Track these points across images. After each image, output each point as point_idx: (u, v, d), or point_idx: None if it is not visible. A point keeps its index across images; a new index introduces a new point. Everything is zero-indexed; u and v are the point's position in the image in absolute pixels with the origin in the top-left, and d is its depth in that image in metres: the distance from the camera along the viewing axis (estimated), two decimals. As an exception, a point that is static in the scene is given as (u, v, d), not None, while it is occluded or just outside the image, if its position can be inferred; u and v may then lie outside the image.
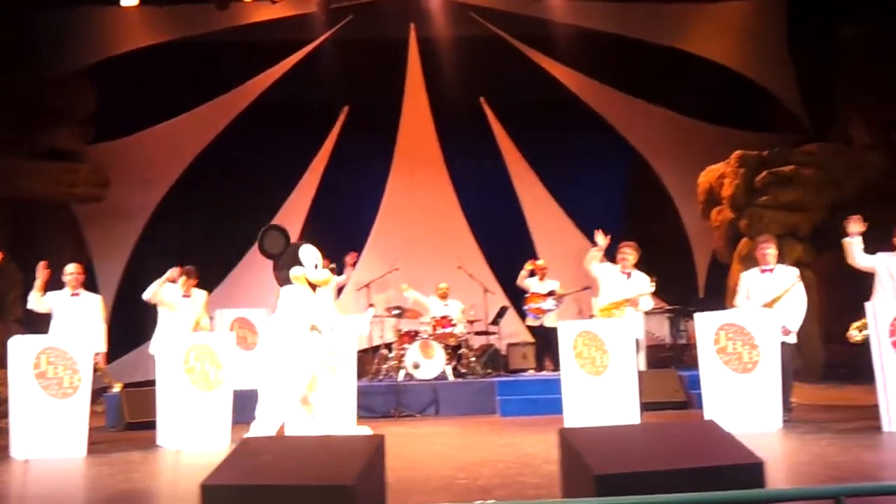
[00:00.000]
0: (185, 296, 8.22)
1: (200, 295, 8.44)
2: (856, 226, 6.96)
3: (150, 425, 7.08)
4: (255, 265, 12.98)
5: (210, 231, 12.54)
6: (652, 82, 13.15)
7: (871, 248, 7.10)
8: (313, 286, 5.92)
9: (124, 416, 8.14)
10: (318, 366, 5.98)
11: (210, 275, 12.20)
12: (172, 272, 7.99)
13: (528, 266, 10.54)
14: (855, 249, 7.00)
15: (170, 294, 8.11)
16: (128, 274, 12.55)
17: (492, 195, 13.69)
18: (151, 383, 7.14)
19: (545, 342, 10.21)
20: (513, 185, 13.84)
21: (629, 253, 7.82)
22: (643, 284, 7.69)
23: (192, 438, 6.54)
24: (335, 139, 13.73)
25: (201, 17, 12.53)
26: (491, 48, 13.07)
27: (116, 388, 8.15)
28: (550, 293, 10.38)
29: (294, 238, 6.09)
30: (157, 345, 7.55)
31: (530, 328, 10.78)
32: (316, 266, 5.90)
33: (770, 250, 7.19)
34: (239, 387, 7.57)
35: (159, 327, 8.16)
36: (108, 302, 11.05)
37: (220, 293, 12.09)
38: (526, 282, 10.54)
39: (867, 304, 6.50)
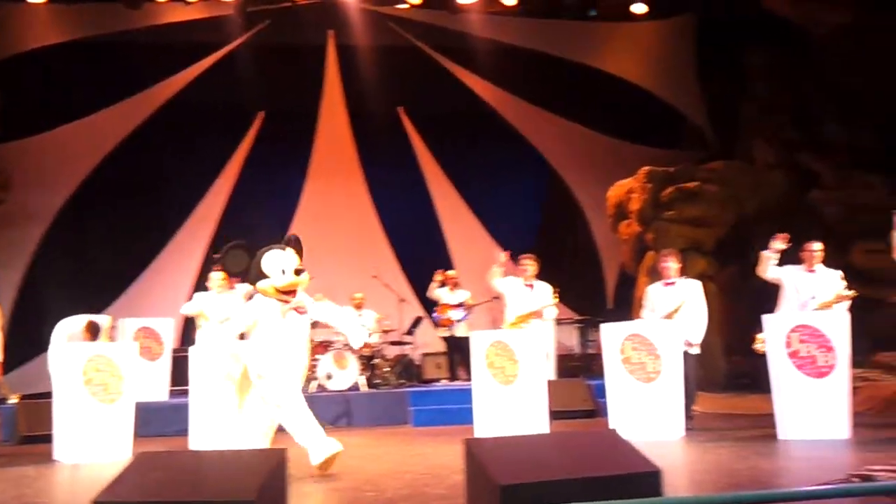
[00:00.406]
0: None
1: (104, 320, 8.05)
2: (779, 244, 7.25)
3: (47, 439, 6.78)
4: (160, 273, 12.71)
5: (116, 237, 12.14)
6: (566, 98, 13.43)
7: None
8: (290, 292, 5.37)
9: (19, 429, 7.78)
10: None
11: (114, 283, 11.87)
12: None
13: (438, 277, 10.61)
14: (770, 262, 7.31)
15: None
16: (28, 280, 12.03)
17: (409, 205, 13.73)
18: (51, 395, 6.84)
19: (459, 352, 10.26)
20: (430, 196, 13.90)
21: (529, 264, 8.14)
22: (546, 295, 7.98)
23: (90, 452, 6.29)
24: (250, 145, 13.53)
25: (112, 16, 12.15)
26: (410, 59, 13.12)
27: (13, 399, 7.79)
28: (460, 304, 10.46)
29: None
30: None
31: (444, 338, 10.82)
32: (283, 271, 5.30)
33: (670, 263, 7.42)
34: (142, 399, 7.35)
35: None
36: (7, 310, 10.57)
37: (124, 302, 11.74)
38: (436, 292, 10.60)
39: (764, 317, 6.77)
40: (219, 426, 6.67)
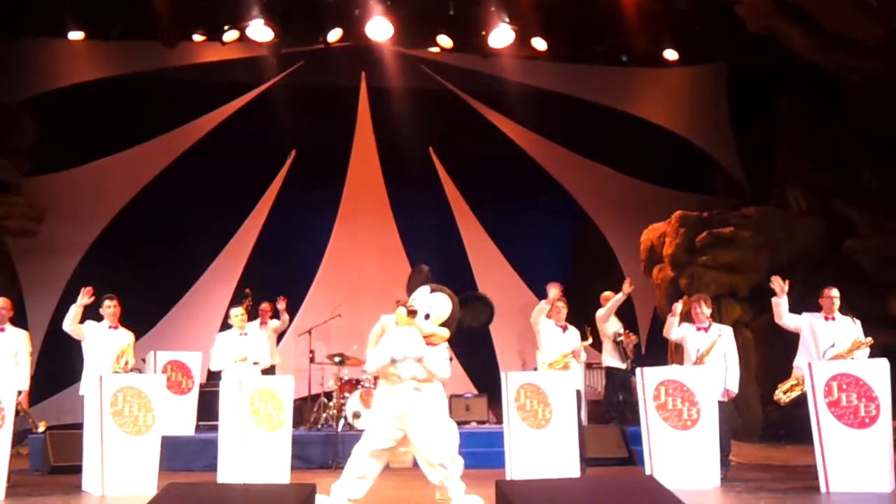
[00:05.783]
0: (112, 327, 7.61)
1: (127, 335, 7.89)
2: (777, 286, 7.14)
3: (76, 469, 6.74)
4: (191, 307, 12.73)
5: (146, 272, 12.14)
6: (599, 142, 13.41)
7: (802, 309, 7.29)
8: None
9: (49, 458, 7.74)
10: None
11: (144, 317, 11.90)
12: (83, 297, 7.33)
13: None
14: (781, 309, 7.20)
15: (93, 330, 7.62)
16: (59, 312, 12.02)
17: (439, 246, 13.65)
18: (81, 426, 6.81)
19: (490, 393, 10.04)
20: (461, 238, 13.85)
21: (562, 307, 7.98)
22: (576, 338, 7.85)
23: (117, 484, 6.24)
24: (281, 183, 13.60)
25: (148, 55, 12.36)
26: (441, 101, 13.22)
27: (41, 427, 7.67)
28: None
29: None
30: (87, 385, 7.19)
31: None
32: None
33: (702, 309, 7.41)
34: (169, 433, 7.30)
35: (86, 366, 7.75)
36: (38, 340, 10.63)
37: (154, 336, 11.75)
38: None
39: (796, 365, 6.63)
40: (246, 463, 6.62)
